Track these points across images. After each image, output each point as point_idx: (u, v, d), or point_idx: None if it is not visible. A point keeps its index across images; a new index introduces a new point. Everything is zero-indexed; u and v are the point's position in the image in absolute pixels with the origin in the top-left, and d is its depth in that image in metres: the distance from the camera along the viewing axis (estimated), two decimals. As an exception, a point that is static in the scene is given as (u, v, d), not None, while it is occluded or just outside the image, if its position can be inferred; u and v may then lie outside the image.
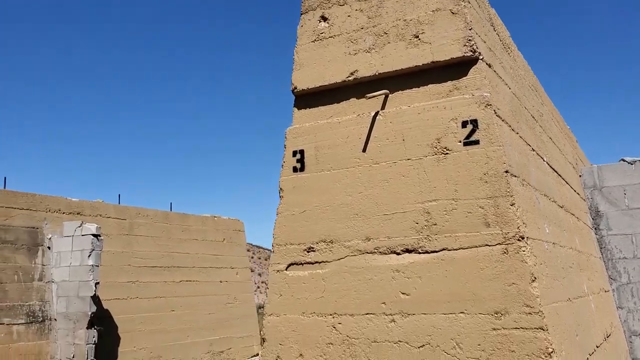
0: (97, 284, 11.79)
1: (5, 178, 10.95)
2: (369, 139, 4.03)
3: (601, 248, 7.96)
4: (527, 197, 3.99)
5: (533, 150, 4.83)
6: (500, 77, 4.34)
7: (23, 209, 12.00)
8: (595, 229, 8.07)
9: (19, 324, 11.33)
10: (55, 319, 11.94)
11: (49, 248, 12.25)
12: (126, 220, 13.98)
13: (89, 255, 11.79)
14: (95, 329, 11.73)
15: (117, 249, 13.51)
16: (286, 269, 4.12)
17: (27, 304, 11.57)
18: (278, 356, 4.03)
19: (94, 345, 11.64)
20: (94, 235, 11.89)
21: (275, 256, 4.18)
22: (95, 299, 11.72)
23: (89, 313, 11.63)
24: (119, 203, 14.32)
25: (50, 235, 12.31)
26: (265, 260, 34.53)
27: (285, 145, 4.36)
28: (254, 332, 17.05)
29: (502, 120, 3.92)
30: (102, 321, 12.47)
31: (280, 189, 4.30)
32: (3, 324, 11.06)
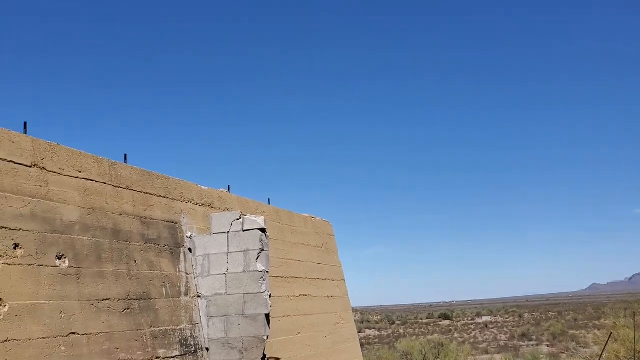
0: (270, 296, 8.61)
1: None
2: None
3: None
4: None
5: None
6: None
7: (161, 196, 8.59)
8: None
9: (174, 357, 7.90)
10: (207, 349, 8.56)
11: (189, 250, 8.87)
12: (249, 217, 10.75)
13: (257, 258, 8.61)
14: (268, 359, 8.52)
15: (246, 254, 10.25)
16: None
17: (178, 328, 8.14)
18: None
19: (271, 383, 8.43)
20: (261, 230, 8.72)
21: None
22: (269, 318, 8.52)
23: (264, 337, 8.41)
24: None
25: (190, 233, 8.94)
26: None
27: None
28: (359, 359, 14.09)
29: None
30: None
31: None
32: (159, 357, 7.62)
